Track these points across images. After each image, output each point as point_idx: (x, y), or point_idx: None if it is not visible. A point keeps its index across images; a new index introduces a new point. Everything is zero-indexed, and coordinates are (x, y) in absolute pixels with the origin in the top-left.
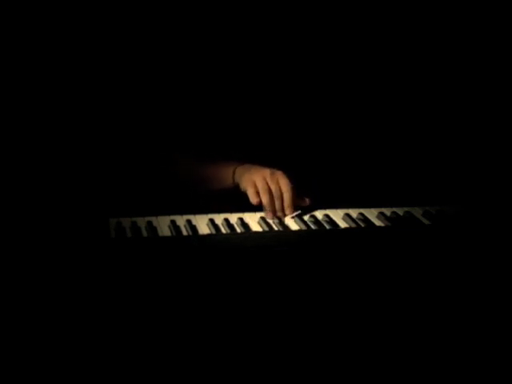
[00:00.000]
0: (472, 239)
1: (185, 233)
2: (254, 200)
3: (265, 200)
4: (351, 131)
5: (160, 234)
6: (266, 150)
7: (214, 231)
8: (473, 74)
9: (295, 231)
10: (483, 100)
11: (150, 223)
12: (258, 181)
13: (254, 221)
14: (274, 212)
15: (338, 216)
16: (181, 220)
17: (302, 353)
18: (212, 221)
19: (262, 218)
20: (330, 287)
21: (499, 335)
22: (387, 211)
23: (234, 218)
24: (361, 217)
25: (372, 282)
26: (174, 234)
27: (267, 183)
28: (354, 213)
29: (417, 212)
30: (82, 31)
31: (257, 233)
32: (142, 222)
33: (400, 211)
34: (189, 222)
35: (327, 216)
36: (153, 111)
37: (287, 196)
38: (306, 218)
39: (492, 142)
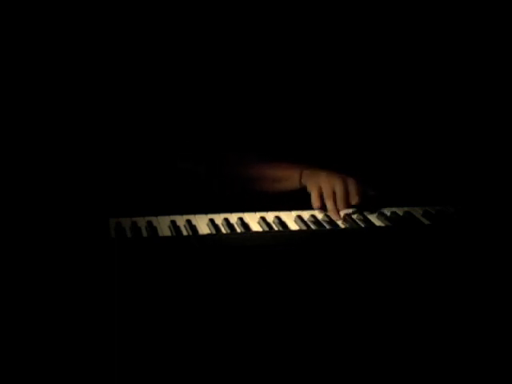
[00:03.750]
0: (472, 239)
1: (185, 233)
2: (315, 204)
3: (329, 205)
4: (352, 131)
5: (160, 234)
6: (265, 147)
7: (214, 231)
8: (473, 76)
9: (295, 231)
10: (483, 101)
11: (150, 223)
12: (324, 186)
13: (253, 221)
14: (337, 213)
15: None
16: (181, 220)
17: (302, 352)
18: (212, 221)
19: (262, 218)
20: (331, 287)
21: (499, 335)
22: (387, 211)
23: (233, 217)
24: (361, 217)
25: (372, 281)
26: (174, 233)
27: (332, 188)
28: (354, 213)
29: (417, 212)
30: (84, 33)
31: (257, 233)
32: (142, 221)
33: (400, 211)
34: (189, 222)
35: (327, 216)
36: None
37: (353, 200)
38: (305, 217)
39: (491, 142)
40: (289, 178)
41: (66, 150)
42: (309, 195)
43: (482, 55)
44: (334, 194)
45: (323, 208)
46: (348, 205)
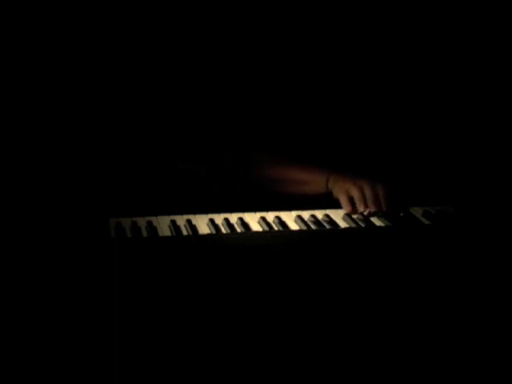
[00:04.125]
0: (472, 239)
1: (185, 233)
2: (347, 209)
3: (362, 209)
4: (352, 132)
5: (160, 234)
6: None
7: (214, 231)
8: (474, 76)
9: (295, 231)
10: (483, 101)
11: (150, 223)
12: (353, 190)
13: (253, 221)
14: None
15: (338, 216)
16: (181, 220)
17: (301, 352)
18: (212, 221)
19: (262, 218)
20: (331, 287)
21: (499, 335)
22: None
23: (233, 217)
24: (361, 217)
25: (372, 281)
26: (174, 233)
27: (362, 191)
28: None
29: (417, 212)
30: (84, 33)
31: (257, 233)
32: (142, 221)
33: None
34: (189, 221)
35: (327, 216)
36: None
37: (383, 204)
38: (305, 217)
39: (492, 142)
40: (315, 181)
41: (66, 150)
42: (311, 196)
43: (482, 55)
44: (364, 197)
45: (353, 212)
46: (379, 208)
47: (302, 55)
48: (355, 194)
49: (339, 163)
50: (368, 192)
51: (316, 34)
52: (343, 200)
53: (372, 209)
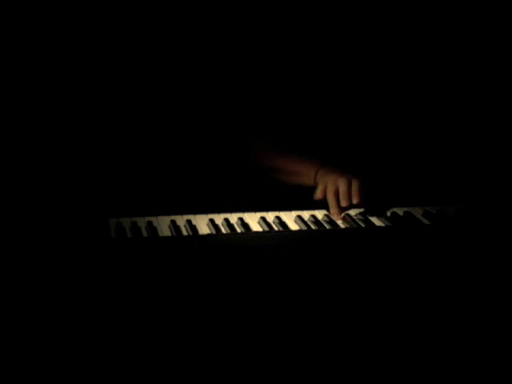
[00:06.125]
0: (472, 239)
1: (185, 233)
2: (317, 196)
3: (330, 199)
4: (353, 131)
5: (160, 234)
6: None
7: (214, 231)
8: (473, 74)
9: (295, 231)
10: (483, 100)
11: (150, 223)
12: (329, 183)
13: (253, 221)
14: (338, 212)
15: None
16: (181, 220)
17: (302, 352)
18: (212, 221)
19: (262, 218)
20: (330, 287)
21: (499, 335)
22: (387, 211)
23: (234, 217)
24: (361, 217)
25: (372, 281)
26: (174, 234)
27: (336, 185)
28: (353, 213)
29: (417, 212)
30: (84, 33)
31: (257, 233)
32: (142, 221)
33: (400, 211)
34: (189, 221)
35: (327, 216)
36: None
37: (355, 201)
38: (305, 217)
39: (492, 142)
40: (305, 173)
41: (66, 151)
42: (310, 194)
43: (482, 55)
44: (338, 191)
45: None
46: (350, 204)
47: (301, 51)
48: (329, 186)
49: (337, 162)
50: (341, 186)
51: (315, 29)
52: (318, 189)
53: (342, 203)
